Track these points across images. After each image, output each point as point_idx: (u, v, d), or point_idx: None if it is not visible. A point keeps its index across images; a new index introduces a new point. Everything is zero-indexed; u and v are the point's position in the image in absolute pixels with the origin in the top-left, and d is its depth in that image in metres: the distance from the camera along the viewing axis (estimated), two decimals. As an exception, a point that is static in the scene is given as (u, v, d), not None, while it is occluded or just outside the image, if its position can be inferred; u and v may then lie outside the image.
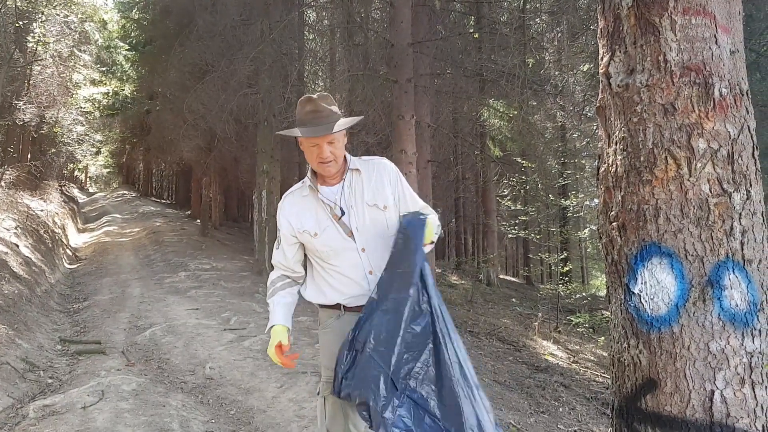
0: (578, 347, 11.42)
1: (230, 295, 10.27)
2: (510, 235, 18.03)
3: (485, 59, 11.82)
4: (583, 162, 15.69)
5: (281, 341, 2.56)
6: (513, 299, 15.36)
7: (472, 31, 13.53)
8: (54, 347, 7.01)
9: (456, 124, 16.39)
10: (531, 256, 22.56)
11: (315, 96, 2.50)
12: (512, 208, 13.84)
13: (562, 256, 14.66)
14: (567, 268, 13.37)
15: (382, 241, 2.50)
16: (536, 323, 11.95)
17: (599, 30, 2.34)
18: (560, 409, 6.58)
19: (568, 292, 13.19)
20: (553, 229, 15.39)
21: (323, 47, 17.32)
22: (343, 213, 2.53)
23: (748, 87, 2.12)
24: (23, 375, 5.73)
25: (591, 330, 12.29)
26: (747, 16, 9.06)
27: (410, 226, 2.39)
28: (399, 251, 2.39)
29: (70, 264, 14.75)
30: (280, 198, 2.67)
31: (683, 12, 2.06)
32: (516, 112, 12.50)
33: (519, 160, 14.59)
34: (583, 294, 13.93)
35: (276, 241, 2.74)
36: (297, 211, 2.61)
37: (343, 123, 2.45)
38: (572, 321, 12.17)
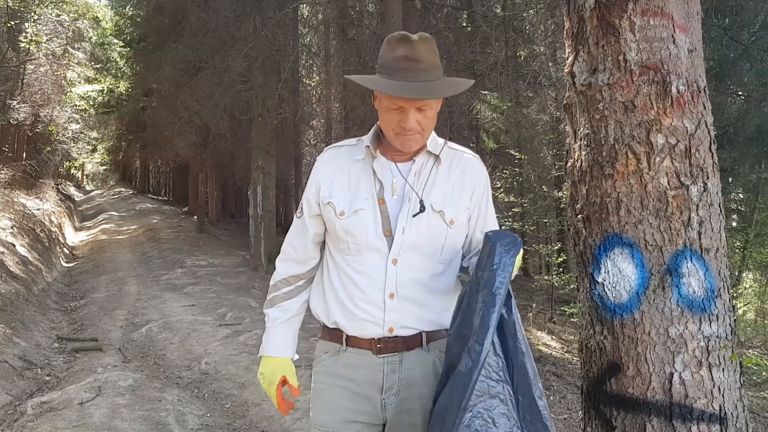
0: (572, 337, 11.54)
1: (226, 291, 10.38)
2: (504, 227, 18.12)
3: (477, 52, 11.89)
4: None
5: (287, 378, 1.93)
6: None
7: (464, 25, 13.61)
8: (51, 345, 7.11)
9: (450, 116, 16.47)
10: (526, 247, 22.66)
11: (415, 37, 1.69)
12: (506, 200, 13.89)
13: (557, 247, 14.75)
14: (561, 259, 13.45)
15: (426, 265, 1.80)
16: (531, 314, 12.07)
17: (565, 31, 2.43)
18: (551, 398, 6.70)
19: (562, 282, 13.29)
20: (546, 221, 15.48)
21: (317, 42, 17.36)
22: (422, 209, 1.76)
23: (706, 83, 2.22)
24: (21, 373, 5.83)
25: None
26: (737, 5, 9.14)
27: (497, 238, 1.66)
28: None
29: (67, 262, 14.83)
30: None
31: (642, 13, 2.16)
32: (509, 104, 12.59)
33: (513, 152, 14.66)
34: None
35: (297, 209, 1.99)
36: (333, 172, 1.86)
37: (452, 85, 1.79)
38: (566, 311, 12.28)
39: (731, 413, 2.08)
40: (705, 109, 2.19)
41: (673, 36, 2.17)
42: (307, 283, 2.00)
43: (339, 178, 1.84)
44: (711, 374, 2.06)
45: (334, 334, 1.87)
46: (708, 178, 2.14)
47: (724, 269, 2.16)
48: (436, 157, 1.83)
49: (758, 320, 16.41)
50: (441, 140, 1.89)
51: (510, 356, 1.62)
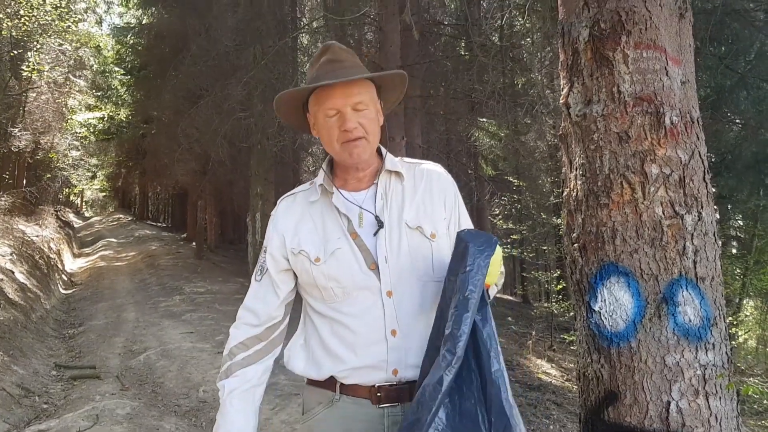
0: (572, 365, 11.49)
1: (225, 318, 10.34)
2: (504, 255, 18.12)
3: (475, 80, 12.02)
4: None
5: None
6: (508, 318, 15.42)
7: (462, 53, 13.76)
8: (49, 373, 7.08)
9: (449, 144, 16.59)
10: (526, 274, 22.64)
11: (334, 44, 1.72)
12: (504, 226, 13.93)
13: (556, 274, 14.75)
14: (561, 286, 13.44)
15: (420, 287, 1.66)
16: (530, 342, 12.03)
17: (560, 63, 2.48)
18: (551, 427, 6.66)
19: (562, 310, 13.27)
20: (545, 248, 15.50)
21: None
22: (380, 225, 1.66)
23: (699, 114, 2.25)
24: (18, 400, 5.80)
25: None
26: (733, 34, 9.26)
27: (470, 238, 1.55)
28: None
29: (65, 289, 14.80)
30: None
31: (635, 46, 2.20)
32: (507, 132, 12.69)
33: (511, 179, 14.75)
34: (578, 311, 13.99)
35: (255, 271, 1.83)
36: (295, 222, 1.74)
37: (374, 74, 1.70)
38: (566, 339, 12.25)
39: (729, 442, 2.08)
40: (698, 139, 2.23)
41: (666, 68, 2.21)
42: (268, 348, 1.75)
43: (302, 225, 1.72)
44: (708, 403, 2.07)
45: (326, 382, 1.68)
46: (702, 207, 2.17)
47: (720, 298, 2.18)
48: (397, 174, 1.75)
49: (759, 348, 16.36)
50: (396, 158, 1.79)
51: (484, 372, 1.45)
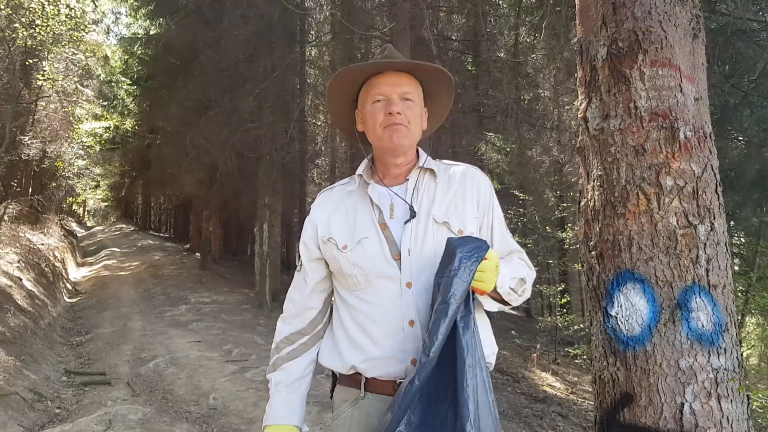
0: (576, 378, 11.54)
1: (231, 328, 10.42)
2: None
3: (482, 95, 12.16)
4: (578, 195, 15.92)
5: None
6: (512, 331, 15.49)
7: (470, 68, 13.94)
8: (60, 378, 7.15)
9: (455, 157, 16.73)
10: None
11: (390, 45, 1.88)
12: (509, 240, 14.01)
13: (560, 288, 14.80)
14: (565, 300, 13.51)
15: None
16: (534, 355, 12.09)
17: (578, 79, 2.59)
18: (556, 438, 6.73)
19: (566, 323, 13.33)
20: (550, 261, 15.57)
21: (324, 82, 17.69)
22: (413, 215, 1.71)
23: (711, 130, 2.36)
24: (32, 405, 5.88)
25: (589, 361, 12.38)
26: (738, 54, 9.39)
27: (459, 243, 1.55)
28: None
29: (69, 298, 14.87)
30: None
31: (651, 64, 2.32)
32: (513, 146, 12.82)
33: (517, 193, 14.85)
34: (582, 325, 14.09)
35: (297, 265, 1.91)
36: (329, 213, 1.82)
37: (421, 62, 1.78)
38: (570, 352, 12.30)
39: (740, 444, 2.17)
40: (711, 153, 2.33)
41: (680, 85, 2.32)
42: (311, 341, 1.85)
43: (335, 215, 1.80)
44: (720, 405, 2.16)
45: (351, 379, 1.72)
46: (715, 218, 2.27)
47: (731, 305, 2.27)
48: (431, 171, 1.79)
49: (762, 365, 16.34)
50: (434, 159, 1.85)
51: (458, 380, 1.42)
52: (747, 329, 14.94)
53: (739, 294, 12.19)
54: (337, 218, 1.79)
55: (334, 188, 1.89)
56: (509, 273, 1.67)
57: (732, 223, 11.31)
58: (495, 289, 1.62)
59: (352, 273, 1.71)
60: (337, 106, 1.92)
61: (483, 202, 1.79)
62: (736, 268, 12.75)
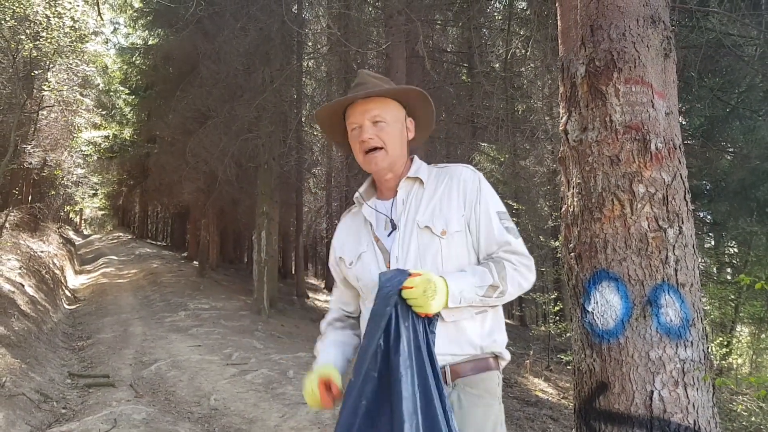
0: (568, 384, 11.73)
1: (230, 333, 10.60)
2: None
3: (476, 106, 12.40)
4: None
5: (332, 378, 1.79)
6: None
7: (465, 79, 14.18)
8: (64, 381, 7.32)
9: (449, 167, 16.92)
10: (523, 296, 22.84)
11: (363, 71, 1.97)
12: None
13: (554, 296, 14.99)
14: (558, 308, 13.71)
15: None
16: (528, 362, 12.28)
17: (560, 94, 2.82)
18: (547, 440, 6.92)
19: (559, 331, 13.52)
20: (543, 269, 15.76)
21: (320, 93, 17.92)
22: (394, 227, 1.84)
23: (681, 141, 2.58)
24: (38, 405, 6.05)
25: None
26: (727, 67, 9.64)
27: (383, 274, 1.68)
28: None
29: (69, 304, 15.01)
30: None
31: (625, 81, 2.54)
32: (507, 156, 13.04)
33: (510, 202, 15.05)
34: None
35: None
36: (344, 235, 1.99)
37: (390, 88, 1.87)
38: (563, 359, 12.48)
39: (705, 428, 2.38)
40: (680, 163, 2.56)
41: (652, 101, 2.55)
42: (355, 323, 2.02)
43: (348, 235, 1.96)
44: (686, 392, 2.37)
45: None
46: (683, 222, 2.49)
47: (698, 302, 2.49)
48: (418, 180, 1.86)
49: (753, 373, 16.50)
50: (429, 165, 1.93)
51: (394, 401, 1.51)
52: (737, 338, 15.10)
53: (730, 303, 12.39)
54: (348, 239, 1.95)
55: (352, 209, 2.04)
56: (466, 285, 1.69)
57: (723, 233, 11.52)
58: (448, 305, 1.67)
59: (357, 285, 1.89)
60: (331, 135, 2.05)
61: (469, 198, 1.82)
62: (728, 277, 12.96)
